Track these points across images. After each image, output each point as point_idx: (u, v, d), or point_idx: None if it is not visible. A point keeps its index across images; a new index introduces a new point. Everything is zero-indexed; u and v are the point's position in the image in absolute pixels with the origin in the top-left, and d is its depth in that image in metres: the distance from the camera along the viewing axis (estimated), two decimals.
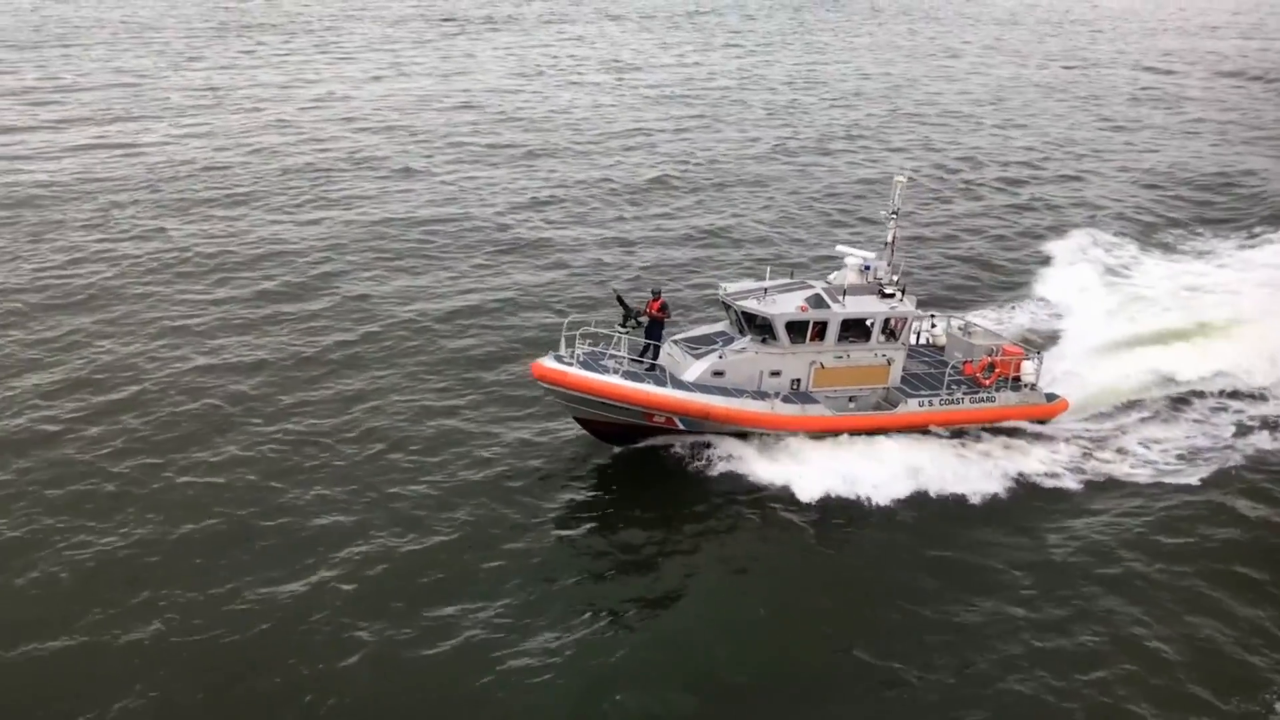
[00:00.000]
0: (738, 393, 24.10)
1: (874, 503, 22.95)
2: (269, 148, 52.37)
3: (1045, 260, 40.22)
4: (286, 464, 23.73)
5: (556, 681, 17.62)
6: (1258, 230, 44.31)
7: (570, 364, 23.54)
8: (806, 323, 24.35)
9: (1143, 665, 18.61)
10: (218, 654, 17.77)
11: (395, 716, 16.96)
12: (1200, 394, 28.07)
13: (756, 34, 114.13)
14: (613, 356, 23.85)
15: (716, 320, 26.77)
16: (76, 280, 33.86)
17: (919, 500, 23.12)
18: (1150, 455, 25.41)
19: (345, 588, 19.69)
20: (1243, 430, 26.65)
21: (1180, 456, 25.40)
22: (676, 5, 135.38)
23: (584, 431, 25.04)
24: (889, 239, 26.40)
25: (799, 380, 24.82)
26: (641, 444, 24.91)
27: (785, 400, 24.34)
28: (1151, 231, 44.46)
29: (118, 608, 18.71)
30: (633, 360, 24.17)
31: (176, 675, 17.24)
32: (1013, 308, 35.10)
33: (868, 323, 24.93)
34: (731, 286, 25.87)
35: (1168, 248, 42.21)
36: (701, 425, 24.24)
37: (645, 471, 24.51)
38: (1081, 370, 28.53)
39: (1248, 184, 53.05)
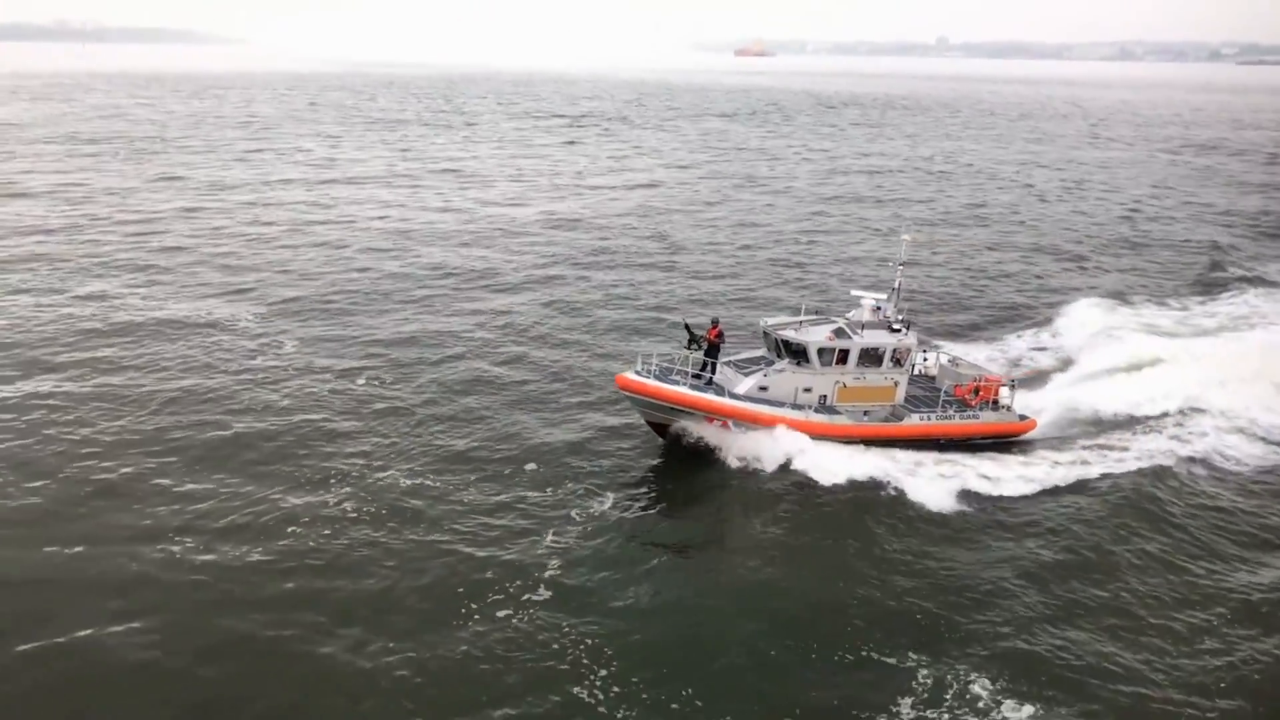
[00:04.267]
0: (779, 404, 29.23)
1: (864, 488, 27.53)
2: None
3: (1038, 304, 46.96)
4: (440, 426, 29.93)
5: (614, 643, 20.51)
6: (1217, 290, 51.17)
7: (647, 377, 28.92)
8: (833, 349, 29.55)
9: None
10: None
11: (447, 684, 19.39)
12: (1152, 415, 32.75)
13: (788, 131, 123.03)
14: (680, 372, 29.28)
15: (756, 347, 32.26)
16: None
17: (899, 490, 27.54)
18: (1113, 461, 29.76)
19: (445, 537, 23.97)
20: (1182, 443, 31.17)
21: (1138, 461, 29.64)
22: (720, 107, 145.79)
23: (648, 428, 30.33)
24: (896, 285, 32.11)
25: (825, 396, 29.85)
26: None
27: (817, 411, 29.46)
28: (1129, 289, 50.98)
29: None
30: (693, 376, 29.37)
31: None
32: (1003, 345, 40.88)
33: (880, 352, 30.11)
34: (771, 320, 31.50)
35: (1141, 300, 48.42)
36: (751, 428, 29.00)
37: (687, 458, 29.24)
38: (1057, 397, 33.93)
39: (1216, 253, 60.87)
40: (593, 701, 18.75)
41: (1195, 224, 72.23)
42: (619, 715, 18.43)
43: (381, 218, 65.23)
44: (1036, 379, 36.33)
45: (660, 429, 30.04)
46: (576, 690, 19.03)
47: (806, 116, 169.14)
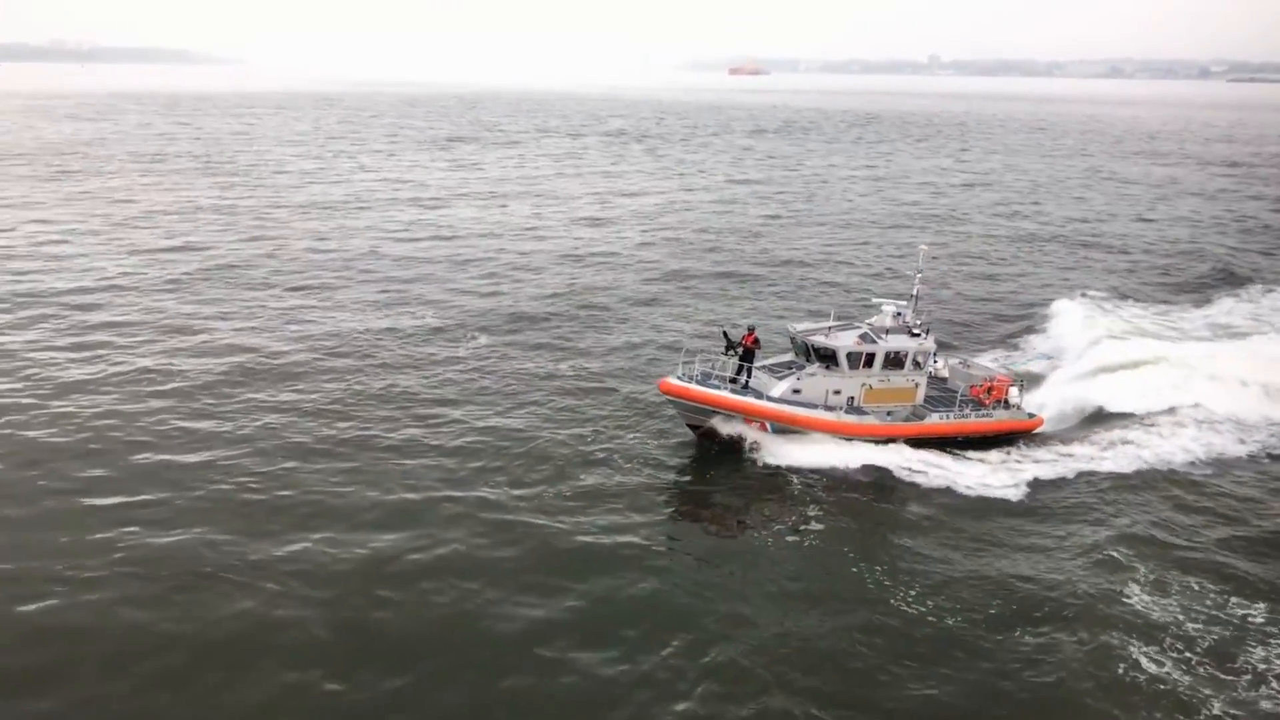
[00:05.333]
0: (812, 406, 30.56)
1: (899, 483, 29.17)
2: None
3: (1040, 309, 49.71)
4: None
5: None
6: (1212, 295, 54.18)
7: (689, 382, 30.20)
8: (860, 353, 30.77)
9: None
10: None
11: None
12: (1151, 412, 34.27)
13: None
14: (718, 377, 30.70)
15: (784, 351, 33.57)
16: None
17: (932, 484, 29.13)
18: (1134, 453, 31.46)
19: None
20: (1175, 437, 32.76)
21: (1140, 456, 31.32)
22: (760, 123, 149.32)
23: (689, 429, 31.47)
24: (914, 292, 33.87)
25: (853, 398, 31.05)
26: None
27: (847, 412, 30.82)
28: (1126, 291, 54.44)
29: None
30: (730, 380, 30.67)
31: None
32: (1011, 348, 43.38)
33: (903, 355, 31.40)
34: (800, 326, 32.63)
35: (1136, 302, 51.54)
36: (787, 429, 30.23)
37: (723, 458, 30.55)
38: (1060, 394, 35.79)
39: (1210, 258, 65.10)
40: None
41: (1209, 233, 76.11)
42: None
43: (530, 229, 69.15)
44: (1037, 378, 37.96)
45: (698, 429, 31.25)
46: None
47: (828, 134, 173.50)
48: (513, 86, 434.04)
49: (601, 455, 30.12)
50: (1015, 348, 43.63)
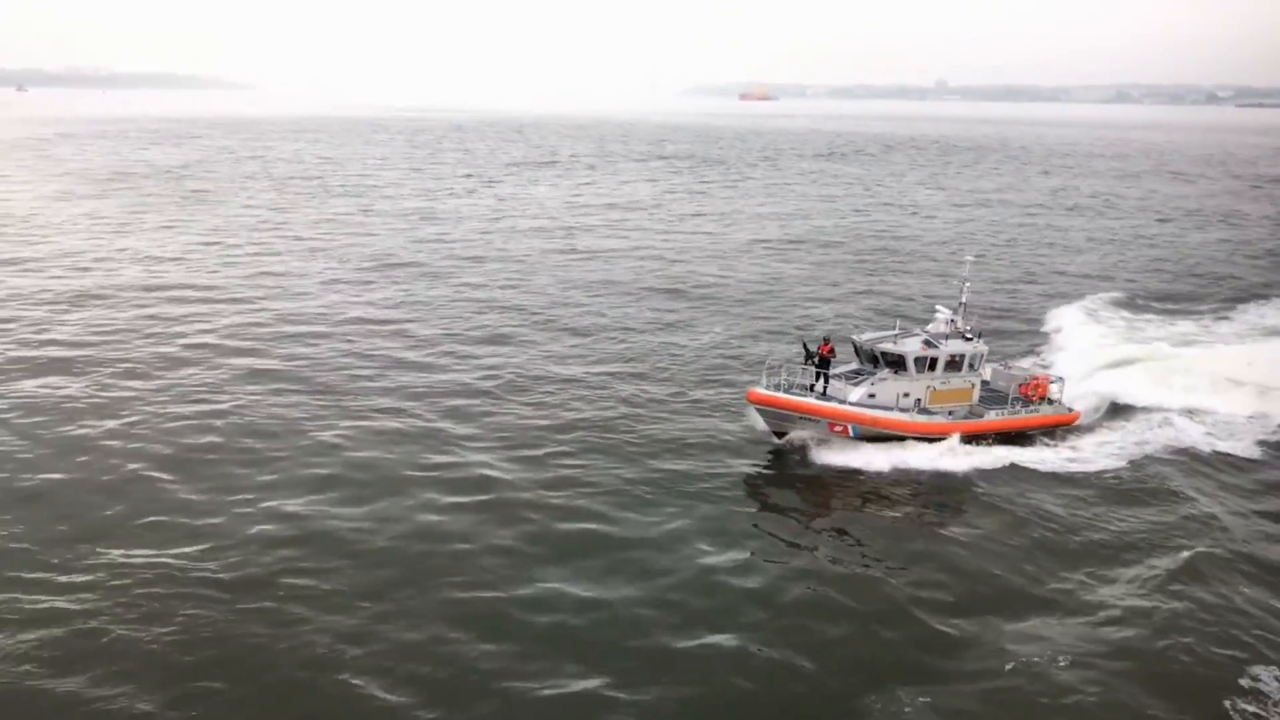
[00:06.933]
0: (887, 408, 32.22)
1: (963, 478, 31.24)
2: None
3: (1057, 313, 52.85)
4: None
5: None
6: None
7: (776, 391, 32.11)
8: (926, 358, 32.70)
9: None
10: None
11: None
12: (1167, 409, 36.73)
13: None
14: (798, 385, 32.62)
15: (847, 361, 34.78)
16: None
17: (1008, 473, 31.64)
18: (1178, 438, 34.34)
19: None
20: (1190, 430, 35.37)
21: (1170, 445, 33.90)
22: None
23: (770, 433, 33.01)
24: (963, 300, 35.97)
25: (919, 399, 32.87)
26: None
27: (919, 413, 32.70)
28: (1141, 300, 57.75)
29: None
30: (809, 388, 32.50)
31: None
32: (1039, 350, 46.10)
33: (962, 358, 33.41)
34: (865, 335, 34.76)
35: (1153, 312, 54.63)
36: (869, 432, 31.84)
37: (806, 460, 32.44)
38: (1084, 391, 37.96)
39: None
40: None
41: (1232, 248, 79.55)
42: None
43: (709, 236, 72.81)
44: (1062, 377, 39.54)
45: (781, 435, 32.94)
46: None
47: (880, 156, 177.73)
48: (539, 111, 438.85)
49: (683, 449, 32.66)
50: (1034, 351, 46.03)
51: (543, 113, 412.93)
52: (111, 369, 39.73)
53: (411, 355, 42.79)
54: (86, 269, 59.35)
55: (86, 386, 37.48)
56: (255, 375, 39.33)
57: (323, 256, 65.21)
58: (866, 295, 58.65)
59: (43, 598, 22.63)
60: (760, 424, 33.27)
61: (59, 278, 56.82)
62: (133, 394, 36.76)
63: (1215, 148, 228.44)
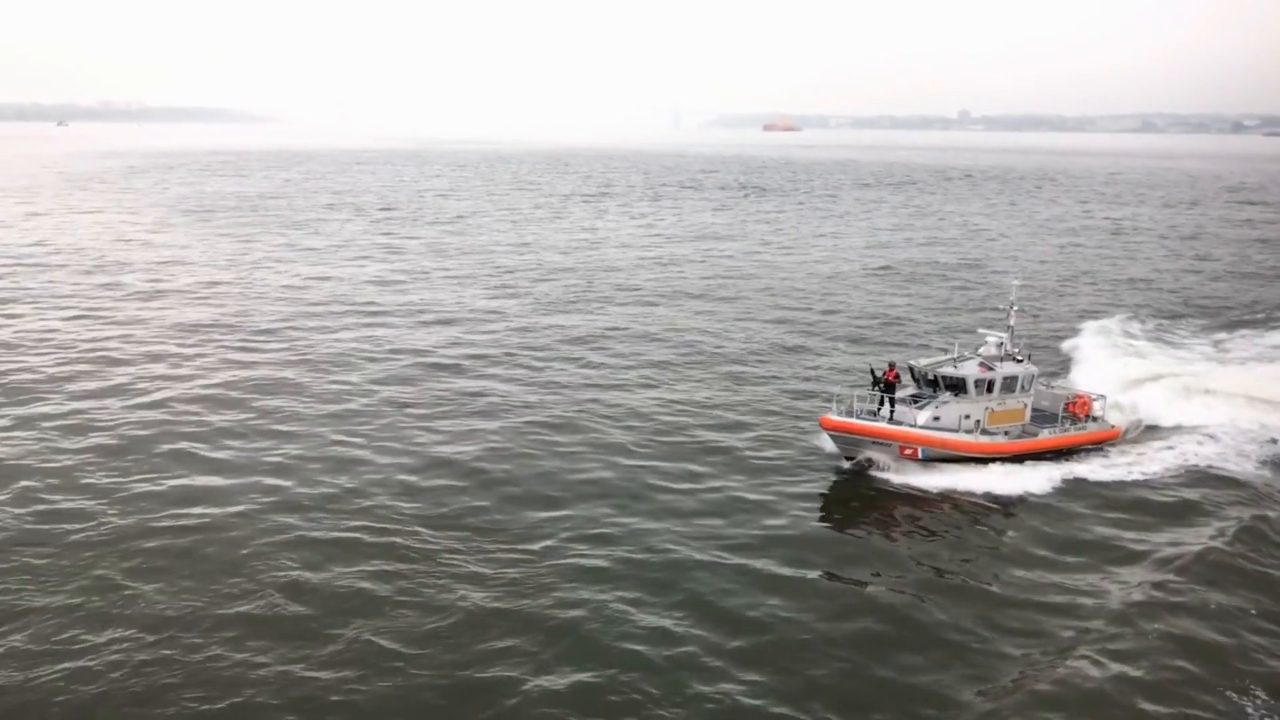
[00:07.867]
0: (952, 430, 33.14)
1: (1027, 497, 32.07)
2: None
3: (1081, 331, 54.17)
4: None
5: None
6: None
7: (849, 417, 33.02)
8: (984, 380, 33.82)
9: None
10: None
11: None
12: (1197, 426, 37.71)
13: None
14: (869, 411, 33.52)
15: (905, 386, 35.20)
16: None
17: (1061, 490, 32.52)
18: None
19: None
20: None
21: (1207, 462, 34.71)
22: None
23: (841, 456, 33.78)
24: (1010, 323, 37.31)
25: (979, 420, 33.79)
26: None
27: (982, 434, 33.67)
28: (1159, 321, 58.81)
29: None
30: (873, 413, 33.41)
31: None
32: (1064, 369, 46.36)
33: (1015, 379, 34.58)
34: (923, 361, 35.64)
35: (1183, 329, 56.37)
36: (936, 453, 32.82)
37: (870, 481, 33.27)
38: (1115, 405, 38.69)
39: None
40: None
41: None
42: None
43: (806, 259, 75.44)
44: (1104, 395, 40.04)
45: (852, 459, 33.62)
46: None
47: (963, 189, 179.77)
48: (571, 143, 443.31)
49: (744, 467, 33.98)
50: (1064, 370, 46.43)
51: (575, 145, 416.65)
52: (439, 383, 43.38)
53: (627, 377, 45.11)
54: (262, 294, 61.99)
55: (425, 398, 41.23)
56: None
57: (471, 284, 67.88)
58: (932, 316, 60.77)
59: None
60: (830, 447, 34.21)
61: (245, 308, 58.12)
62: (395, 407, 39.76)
63: (1262, 175, 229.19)
